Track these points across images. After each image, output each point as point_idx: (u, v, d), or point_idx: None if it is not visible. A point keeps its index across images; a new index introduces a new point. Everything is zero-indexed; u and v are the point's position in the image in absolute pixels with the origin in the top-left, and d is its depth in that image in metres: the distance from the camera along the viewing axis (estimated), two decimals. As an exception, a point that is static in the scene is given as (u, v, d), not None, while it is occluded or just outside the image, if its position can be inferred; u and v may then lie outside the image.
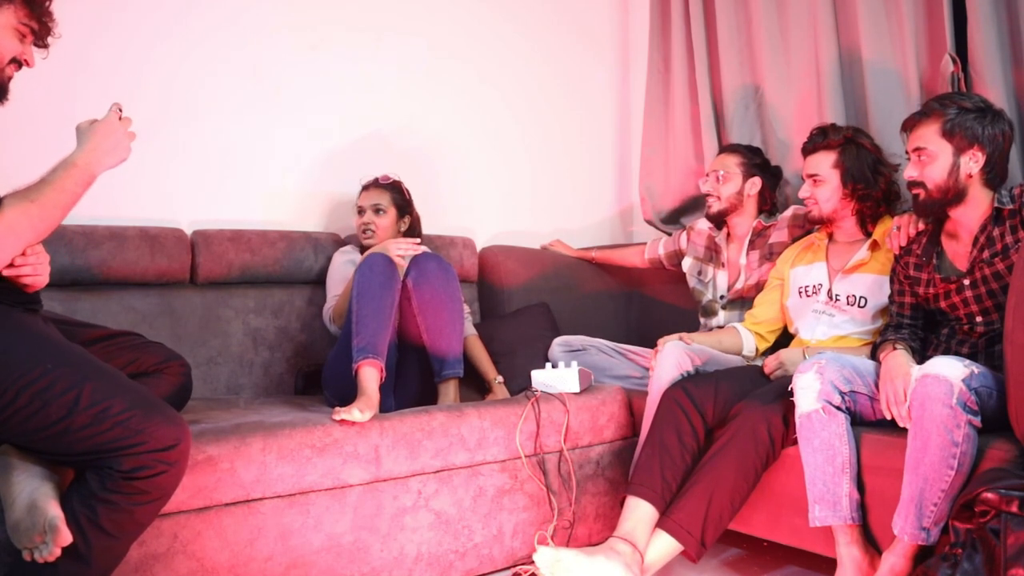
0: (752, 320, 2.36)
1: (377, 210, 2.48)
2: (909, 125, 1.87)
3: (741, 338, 2.33)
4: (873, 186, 2.16)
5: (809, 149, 2.23)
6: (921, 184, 1.83)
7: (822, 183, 2.18)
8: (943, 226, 1.91)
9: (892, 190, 2.20)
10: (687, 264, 2.72)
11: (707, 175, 2.57)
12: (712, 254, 2.63)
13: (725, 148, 2.62)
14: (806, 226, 2.45)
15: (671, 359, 2.10)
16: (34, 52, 1.53)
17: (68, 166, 1.44)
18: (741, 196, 2.51)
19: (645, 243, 2.95)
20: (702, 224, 2.71)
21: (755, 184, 2.51)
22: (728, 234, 2.60)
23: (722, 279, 2.59)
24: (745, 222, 2.55)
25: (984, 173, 1.78)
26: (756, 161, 2.53)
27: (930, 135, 1.80)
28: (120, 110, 1.56)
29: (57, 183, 1.41)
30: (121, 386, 1.37)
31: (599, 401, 2.22)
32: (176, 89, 2.45)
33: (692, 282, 2.69)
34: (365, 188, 2.54)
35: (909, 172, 1.85)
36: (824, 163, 2.18)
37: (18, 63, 1.51)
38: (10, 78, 1.50)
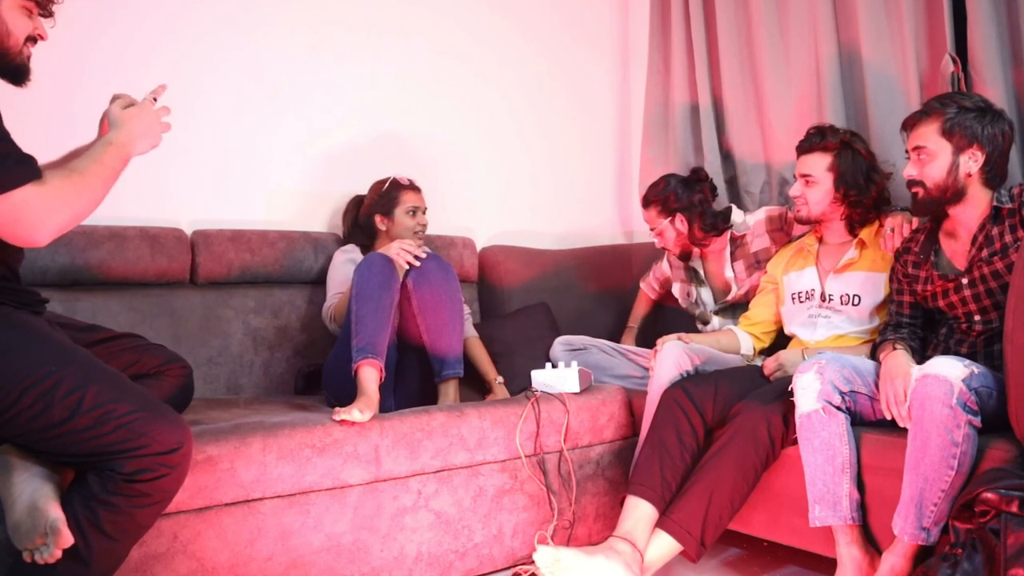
0: (747, 322, 2.36)
1: (425, 211, 2.54)
2: (909, 124, 1.87)
3: (738, 339, 2.33)
4: (865, 194, 2.14)
5: (805, 148, 2.21)
6: (920, 183, 1.83)
7: (815, 184, 2.17)
8: (941, 224, 1.91)
9: (883, 197, 2.20)
10: (676, 289, 2.72)
11: (652, 231, 2.60)
12: (692, 274, 2.63)
13: (646, 204, 2.60)
14: (785, 228, 2.45)
15: (670, 358, 2.11)
16: (43, 23, 1.53)
17: (106, 144, 1.47)
18: (683, 236, 2.52)
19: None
20: None
21: (683, 221, 2.51)
22: (701, 252, 2.60)
23: (707, 296, 2.58)
24: (709, 240, 2.54)
25: (983, 172, 1.79)
26: (673, 203, 2.52)
27: (930, 134, 1.80)
28: (155, 99, 1.60)
29: (97, 157, 1.44)
30: (125, 388, 1.37)
31: (599, 401, 2.22)
32: (176, 88, 2.42)
33: (684, 304, 2.69)
34: (411, 189, 2.53)
35: (908, 171, 1.85)
36: (819, 165, 2.17)
37: (33, 40, 1.51)
38: (29, 57, 1.51)
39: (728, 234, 2.52)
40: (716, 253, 2.55)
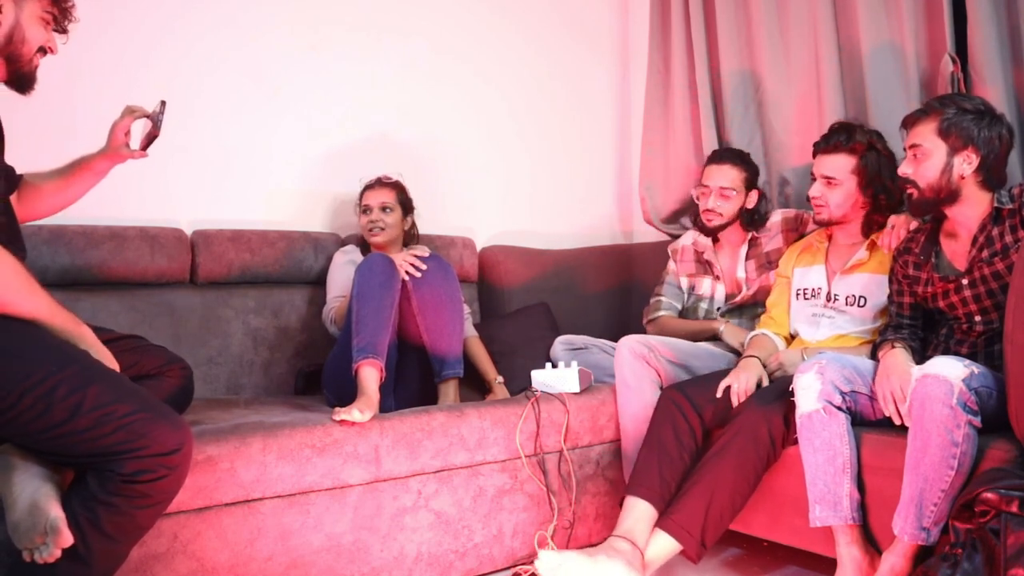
0: (775, 325, 2.27)
1: (384, 208, 2.48)
2: (909, 122, 1.87)
3: (775, 344, 2.22)
4: (892, 197, 2.10)
5: (828, 148, 2.13)
6: (914, 183, 1.82)
7: (837, 186, 2.11)
8: (942, 225, 1.91)
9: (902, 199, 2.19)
10: (684, 283, 2.64)
11: (706, 188, 2.46)
12: (705, 267, 2.58)
13: (724, 158, 2.48)
14: (799, 229, 2.44)
15: (624, 348, 2.17)
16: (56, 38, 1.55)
17: (74, 322, 1.48)
18: (741, 210, 2.46)
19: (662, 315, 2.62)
20: (684, 240, 2.67)
21: (753, 198, 2.46)
22: (716, 241, 2.56)
23: (720, 291, 2.54)
24: (735, 230, 2.50)
25: (978, 175, 1.78)
26: (754, 171, 2.49)
27: (927, 133, 1.80)
28: (162, 114, 1.68)
29: (48, 303, 1.45)
30: (125, 389, 1.36)
31: (599, 401, 2.22)
32: (176, 89, 2.44)
33: (688, 299, 2.63)
34: (369, 187, 2.53)
35: (903, 168, 1.84)
36: (844, 167, 2.11)
37: (43, 51, 1.53)
38: (37, 67, 1.53)
39: (750, 234, 2.50)
40: (732, 248, 2.53)
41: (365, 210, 2.50)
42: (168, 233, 2.33)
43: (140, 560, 1.54)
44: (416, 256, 2.18)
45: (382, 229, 2.46)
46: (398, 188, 2.53)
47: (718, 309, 2.54)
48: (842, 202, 2.13)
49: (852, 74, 2.54)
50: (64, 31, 1.55)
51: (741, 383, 1.98)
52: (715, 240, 2.56)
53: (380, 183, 2.52)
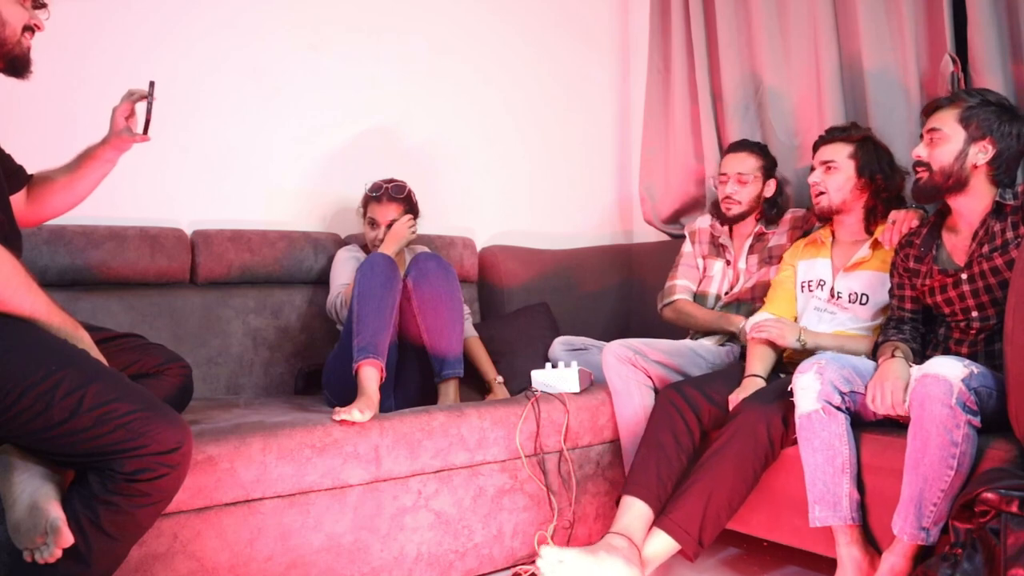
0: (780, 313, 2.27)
1: (391, 226, 2.40)
2: (931, 108, 1.88)
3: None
4: (891, 180, 2.16)
5: (826, 139, 2.22)
6: (927, 165, 1.83)
7: (836, 170, 2.16)
8: (944, 219, 1.91)
9: (902, 194, 2.20)
10: (700, 262, 2.64)
11: (724, 176, 2.50)
12: (719, 249, 2.59)
13: (741, 147, 2.54)
14: (805, 227, 2.45)
15: (610, 356, 2.18)
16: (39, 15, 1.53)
17: (65, 319, 1.46)
18: (759, 199, 2.49)
19: (678, 299, 2.60)
20: (701, 222, 2.67)
21: (771, 187, 2.49)
22: (731, 231, 2.58)
23: (729, 278, 2.55)
24: (749, 221, 2.53)
25: (990, 167, 1.79)
26: (771, 161, 2.52)
27: (948, 118, 1.82)
28: (152, 87, 1.66)
29: (44, 301, 1.44)
30: (125, 388, 1.36)
31: (599, 401, 2.22)
32: (176, 89, 2.45)
33: (702, 281, 2.62)
34: (376, 199, 2.43)
35: (918, 151, 1.85)
36: (841, 152, 2.17)
37: (31, 30, 1.50)
38: (29, 48, 1.51)
39: (759, 226, 2.51)
40: (741, 240, 2.54)
41: (371, 223, 2.44)
42: (168, 233, 2.33)
43: (140, 560, 1.54)
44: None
45: None
46: (405, 200, 2.45)
47: (724, 294, 2.52)
48: (841, 185, 2.17)
49: (852, 75, 2.54)
50: (43, 5, 1.52)
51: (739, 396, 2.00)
52: (730, 229, 2.58)
53: (388, 197, 2.42)
